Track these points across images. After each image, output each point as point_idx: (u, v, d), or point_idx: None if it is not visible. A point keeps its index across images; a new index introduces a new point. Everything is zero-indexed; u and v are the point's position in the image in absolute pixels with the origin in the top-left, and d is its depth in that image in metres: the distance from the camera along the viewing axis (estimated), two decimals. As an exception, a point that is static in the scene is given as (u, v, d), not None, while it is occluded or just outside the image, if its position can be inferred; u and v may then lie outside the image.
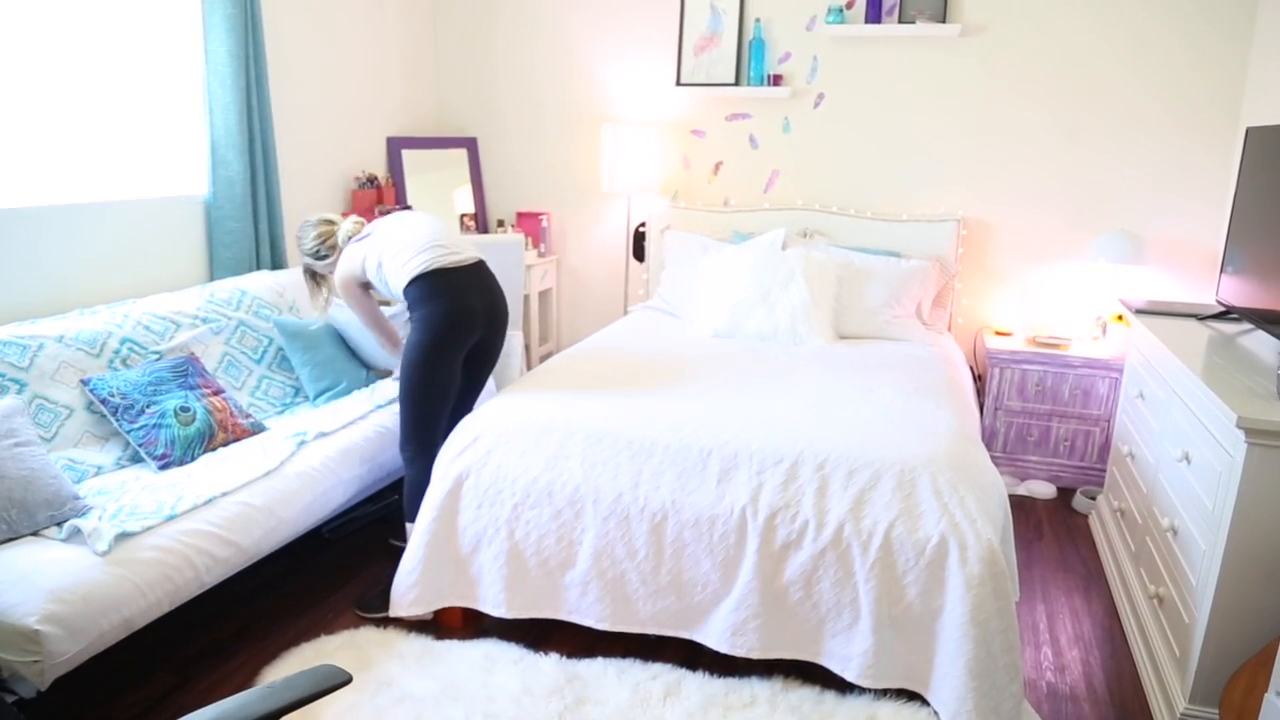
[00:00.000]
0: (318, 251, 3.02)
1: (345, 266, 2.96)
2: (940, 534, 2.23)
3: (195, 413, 2.75)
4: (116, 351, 2.83)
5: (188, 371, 2.85)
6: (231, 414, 2.85)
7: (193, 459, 2.68)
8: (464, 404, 3.04)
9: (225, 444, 2.79)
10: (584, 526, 2.50)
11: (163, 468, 2.61)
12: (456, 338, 2.78)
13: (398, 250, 2.83)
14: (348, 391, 3.31)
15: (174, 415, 2.70)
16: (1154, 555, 2.65)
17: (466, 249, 2.90)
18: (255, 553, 2.51)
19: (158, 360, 2.87)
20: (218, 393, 2.87)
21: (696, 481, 2.45)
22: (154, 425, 2.66)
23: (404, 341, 2.85)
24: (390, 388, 3.30)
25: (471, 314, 2.81)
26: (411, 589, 2.61)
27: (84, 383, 2.65)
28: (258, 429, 2.91)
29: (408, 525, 2.80)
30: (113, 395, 2.65)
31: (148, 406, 2.68)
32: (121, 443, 2.70)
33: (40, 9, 2.88)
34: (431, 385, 2.76)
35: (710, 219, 4.43)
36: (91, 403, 2.68)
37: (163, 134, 3.37)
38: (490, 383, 3.68)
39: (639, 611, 2.49)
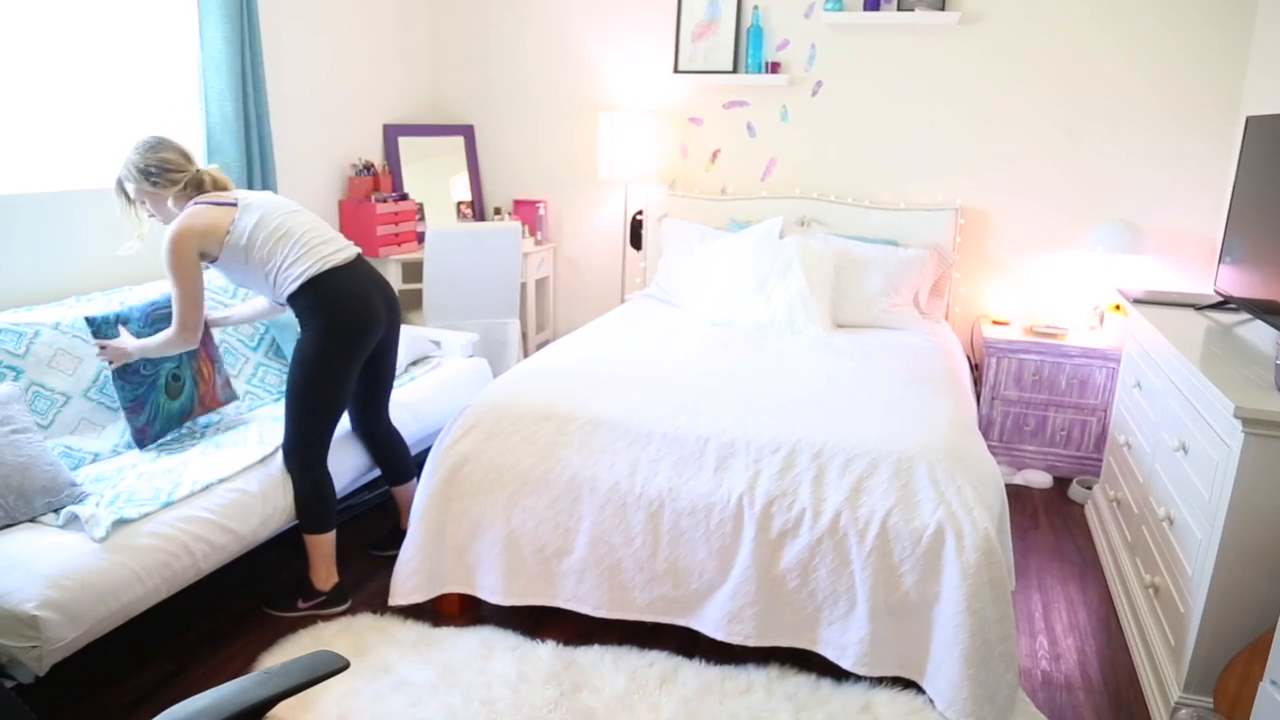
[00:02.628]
0: (149, 171, 2.52)
1: (195, 223, 2.49)
2: (937, 523, 2.23)
3: (184, 384, 2.75)
4: (112, 338, 2.82)
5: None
6: (212, 385, 2.85)
7: (168, 433, 2.72)
8: (378, 406, 2.93)
9: (200, 416, 2.83)
10: (581, 514, 2.50)
11: (139, 440, 2.65)
12: (363, 344, 2.64)
13: (279, 243, 2.57)
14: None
15: (166, 384, 2.70)
16: (1150, 545, 2.66)
17: (343, 239, 2.71)
18: (252, 540, 2.51)
19: (155, 308, 2.82)
20: (209, 357, 2.88)
21: (693, 469, 2.45)
22: (147, 390, 2.65)
23: (300, 348, 2.60)
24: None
25: (376, 314, 2.66)
26: (410, 577, 2.62)
27: (89, 320, 2.63)
28: (230, 399, 2.94)
29: (316, 538, 2.67)
30: None
31: (145, 365, 2.67)
32: (119, 429, 2.69)
33: (34, -7, 2.86)
34: (333, 396, 2.62)
35: (708, 207, 4.42)
36: (88, 389, 2.67)
37: (158, 121, 3.35)
38: (487, 370, 3.68)
39: (635, 599, 2.49)
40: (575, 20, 4.62)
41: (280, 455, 2.64)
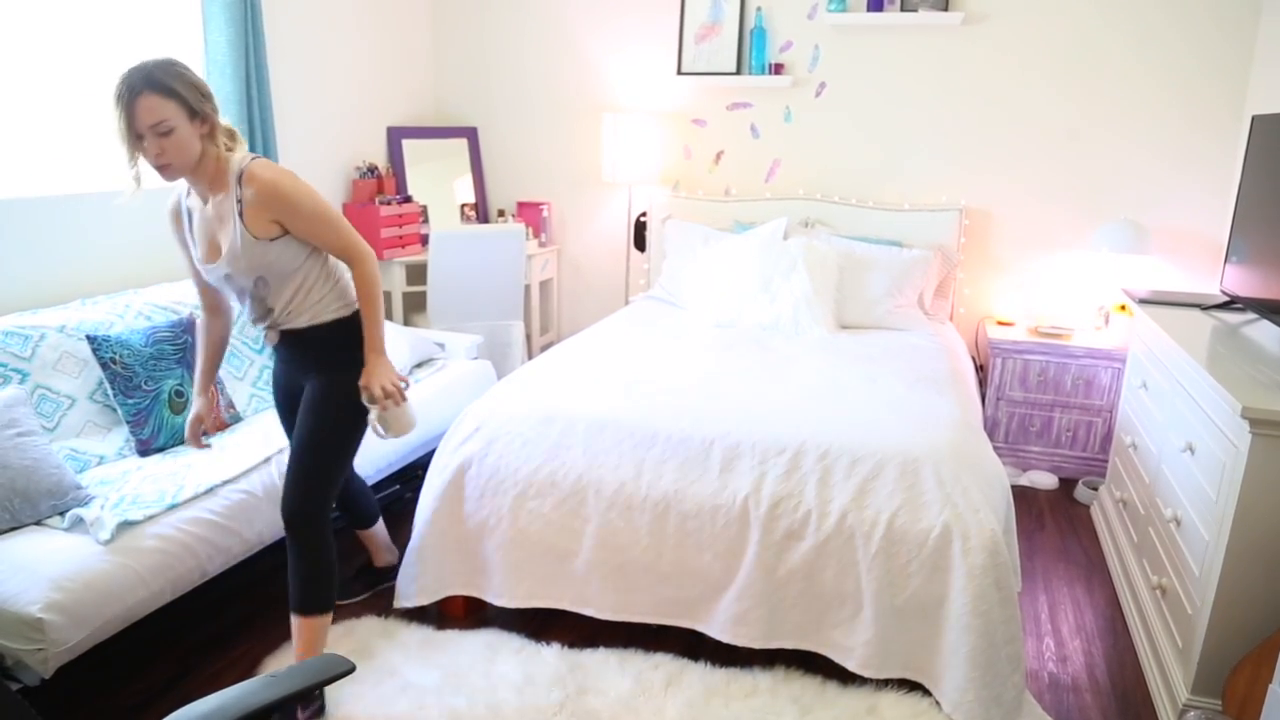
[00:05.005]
0: (205, 90, 2.00)
1: (297, 183, 2.07)
2: (943, 524, 2.23)
3: (187, 400, 2.76)
4: (117, 341, 2.82)
5: (187, 345, 2.84)
6: (215, 404, 2.85)
7: (171, 447, 2.71)
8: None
9: (205, 434, 2.81)
10: (586, 516, 2.50)
11: (142, 452, 2.65)
12: None
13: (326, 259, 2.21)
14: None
15: (169, 399, 2.70)
16: (1156, 546, 2.65)
17: None
18: (257, 542, 2.51)
19: (154, 331, 2.81)
20: None
21: (699, 471, 2.44)
22: (148, 405, 2.66)
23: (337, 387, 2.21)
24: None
25: None
26: (415, 580, 2.62)
27: (90, 338, 2.65)
28: (235, 420, 2.95)
29: (320, 620, 2.24)
30: (114, 362, 2.65)
31: (146, 382, 2.68)
32: (124, 432, 2.70)
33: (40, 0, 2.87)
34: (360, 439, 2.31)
35: (711, 209, 4.41)
36: (93, 392, 2.67)
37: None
38: (491, 372, 3.68)
39: (641, 601, 2.49)
40: (578, 22, 4.62)
41: (287, 527, 2.20)
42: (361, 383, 2.15)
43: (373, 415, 2.17)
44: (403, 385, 2.18)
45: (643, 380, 2.86)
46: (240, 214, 2.03)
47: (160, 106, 1.90)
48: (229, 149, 2.06)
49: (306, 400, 2.22)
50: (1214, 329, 2.85)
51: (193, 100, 1.95)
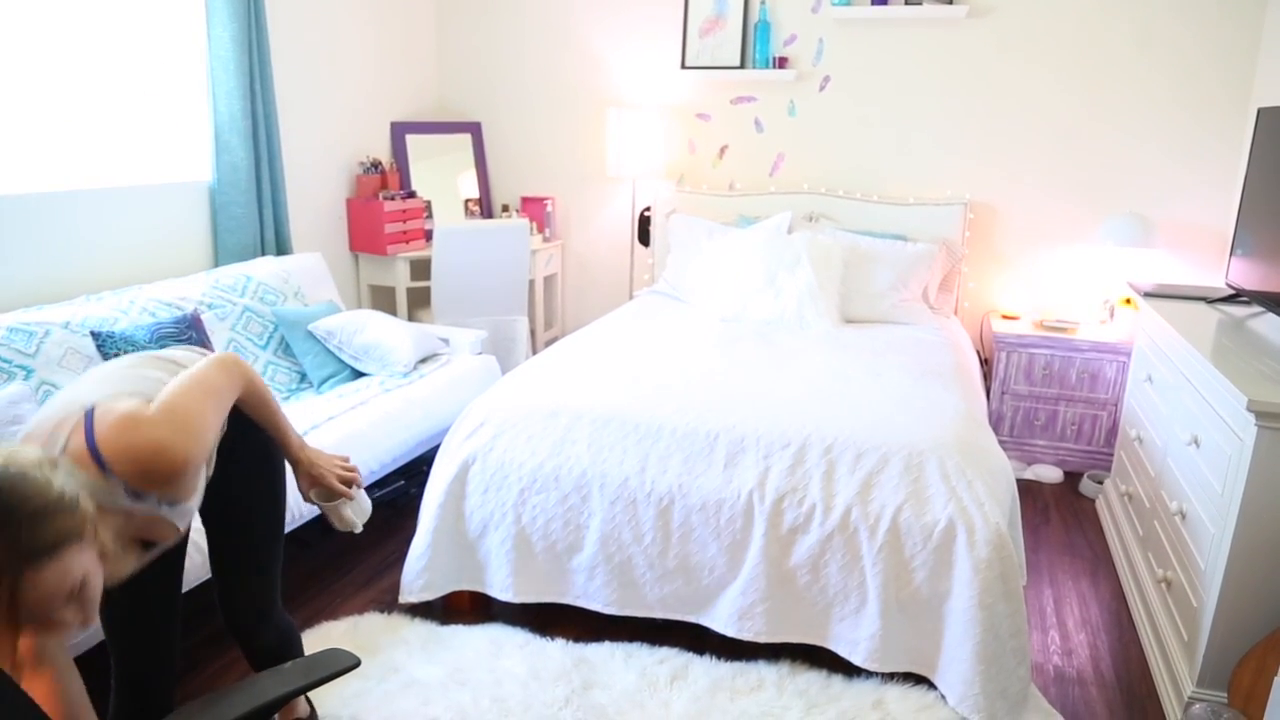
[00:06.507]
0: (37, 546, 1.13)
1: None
2: (948, 518, 2.22)
3: None
4: (122, 337, 2.82)
5: (190, 340, 2.84)
6: None
7: None
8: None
9: None
10: (591, 511, 2.50)
11: None
12: None
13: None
14: (352, 378, 3.31)
15: None
16: (1162, 539, 2.64)
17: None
18: (262, 538, 2.51)
19: (159, 327, 2.82)
20: None
21: (704, 465, 2.44)
22: None
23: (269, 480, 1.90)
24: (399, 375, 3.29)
25: None
26: (420, 575, 2.62)
27: (94, 334, 2.65)
28: None
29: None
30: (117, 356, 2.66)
31: None
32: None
33: (42, -7, 2.87)
34: None
35: (716, 203, 4.41)
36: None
37: (166, 120, 3.35)
38: (496, 367, 3.68)
39: (646, 596, 2.49)
40: (582, 17, 4.61)
41: (261, 626, 1.91)
42: (305, 485, 1.84)
43: (338, 510, 1.87)
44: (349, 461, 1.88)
45: (647, 375, 2.86)
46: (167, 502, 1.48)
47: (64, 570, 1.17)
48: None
49: (236, 479, 1.82)
50: (1219, 322, 2.84)
51: (77, 524, 1.19)
